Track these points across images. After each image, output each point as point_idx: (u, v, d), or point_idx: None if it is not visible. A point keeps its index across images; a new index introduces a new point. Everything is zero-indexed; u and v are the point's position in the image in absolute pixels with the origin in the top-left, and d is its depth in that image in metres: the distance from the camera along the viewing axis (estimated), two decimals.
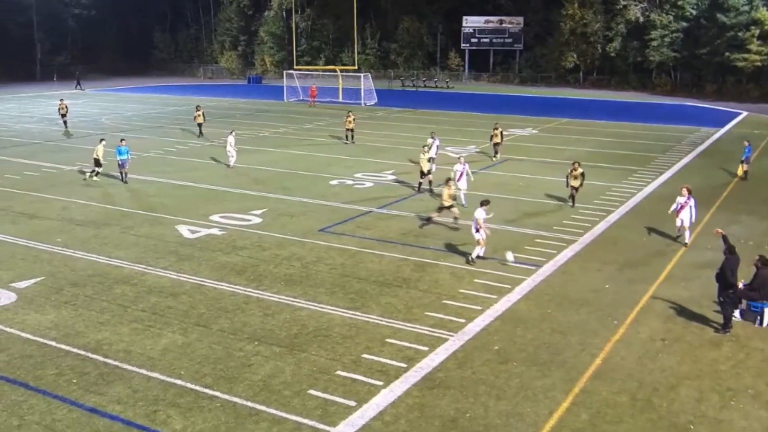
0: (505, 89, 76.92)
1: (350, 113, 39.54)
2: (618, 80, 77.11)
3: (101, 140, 29.36)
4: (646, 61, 72.94)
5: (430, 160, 26.91)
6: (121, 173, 28.19)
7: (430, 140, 31.31)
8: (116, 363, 12.81)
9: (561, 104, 61.64)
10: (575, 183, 24.24)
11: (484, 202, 18.65)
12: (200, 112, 40.55)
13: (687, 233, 20.03)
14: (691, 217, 19.88)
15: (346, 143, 38.28)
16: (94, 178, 28.44)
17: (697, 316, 15.04)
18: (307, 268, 17.97)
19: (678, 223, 20.08)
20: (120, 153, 27.95)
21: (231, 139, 31.42)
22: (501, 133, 33.91)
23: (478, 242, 18.22)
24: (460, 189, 23.86)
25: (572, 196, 24.48)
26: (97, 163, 28.34)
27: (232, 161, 31.33)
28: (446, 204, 21.19)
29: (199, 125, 40.54)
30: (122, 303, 15.62)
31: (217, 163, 32.59)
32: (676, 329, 14.48)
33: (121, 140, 28.97)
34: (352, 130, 38.48)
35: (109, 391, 11.84)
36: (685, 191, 20.03)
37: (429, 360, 12.96)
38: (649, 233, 21.43)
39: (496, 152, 33.99)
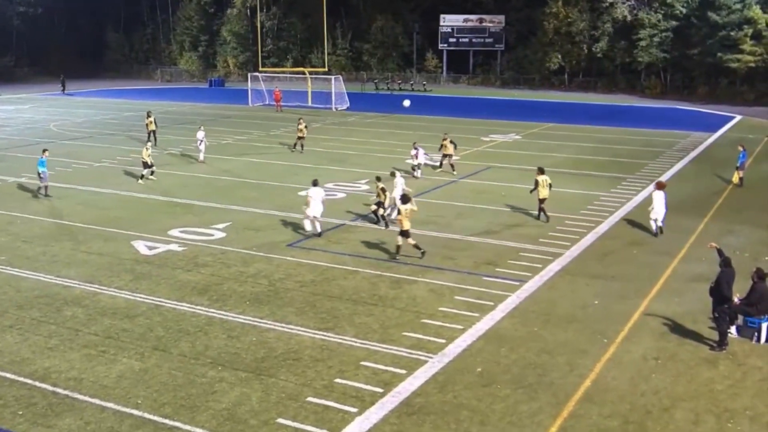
0: (486, 92, 77.48)
1: (301, 119, 39.32)
2: (605, 82, 78.04)
3: (148, 141, 32.53)
4: (635, 62, 73.92)
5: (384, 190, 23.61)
6: (43, 187, 27.40)
7: (413, 151, 31.09)
8: (66, 392, 12.63)
9: (545, 108, 62.21)
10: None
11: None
12: (152, 119, 39.68)
13: (661, 224, 22.51)
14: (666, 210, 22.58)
15: (293, 151, 37.90)
16: (142, 180, 30.22)
17: (692, 333, 15.22)
18: (274, 286, 17.90)
19: (652, 221, 22.52)
20: (42, 165, 27.32)
21: (200, 134, 34.90)
22: (453, 143, 32.21)
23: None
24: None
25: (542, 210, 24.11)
26: (146, 165, 30.41)
27: (201, 156, 34.80)
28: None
29: (151, 132, 39.41)
30: (73, 326, 15.43)
31: (176, 172, 32.41)
32: (669, 347, 14.63)
33: (44, 151, 28.37)
34: (302, 138, 37.97)
35: (58, 423, 11.66)
36: (656, 186, 23.03)
37: (407, 384, 12.96)
38: (639, 245, 21.67)
39: (441, 165, 32.27)
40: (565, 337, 15.04)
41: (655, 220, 22.40)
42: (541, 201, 24.04)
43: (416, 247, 19.86)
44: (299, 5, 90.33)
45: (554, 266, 19.55)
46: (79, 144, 40.58)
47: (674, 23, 71.31)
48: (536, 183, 24.01)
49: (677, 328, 15.47)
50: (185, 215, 24.90)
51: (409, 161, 32.17)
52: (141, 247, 21.06)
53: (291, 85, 68.72)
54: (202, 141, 34.98)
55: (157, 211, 25.56)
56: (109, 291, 17.52)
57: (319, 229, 22.26)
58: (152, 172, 30.75)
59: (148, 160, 30.44)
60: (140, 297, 17.13)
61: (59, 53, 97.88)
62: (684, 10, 70.73)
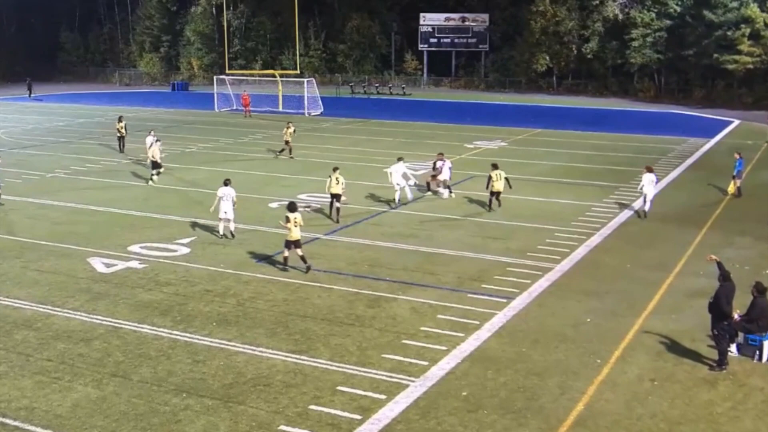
0: (470, 96, 77.91)
1: (290, 123, 40.05)
2: (596, 85, 78.79)
3: (157, 140, 33.42)
4: (627, 63, 74.70)
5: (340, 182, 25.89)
6: None
7: (440, 163, 29.70)
8: (16, 423, 12.49)
9: (533, 112, 62.66)
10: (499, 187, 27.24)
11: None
12: (122, 124, 40.55)
13: (648, 205, 26.61)
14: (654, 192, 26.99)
15: (280, 157, 38.63)
16: (151, 182, 31.97)
17: (690, 352, 15.35)
18: (243, 306, 17.83)
19: (643, 200, 26.70)
20: None
21: (149, 139, 35.07)
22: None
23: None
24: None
25: (492, 201, 27.58)
26: (156, 165, 32.28)
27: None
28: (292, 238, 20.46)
29: (120, 139, 40.37)
30: (23, 351, 15.26)
31: (136, 183, 32.24)
32: (666, 367, 14.75)
33: None
34: (288, 143, 38.77)
35: None
36: (645, 169, 27.18)
37: (387, 410, 12.95)
38: (634, 259, 21.85)
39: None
40: (555, 358, 15.11)
41: (645, 197, 26.53)
42: (496, 194, 27.38)
43: (303, 259, 20.26)
44: (269, 3, 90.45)
45: (544, 282, 19.65)
46: (29, 153, 40.24)
47: (668, 22, 72.19)
48: (489, 178, 27.27)
49: (674, 347, 15.60)
50: (146, 229, 24.75)
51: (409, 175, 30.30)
52: (98, 264, 20.90)
53: (260, 88, 68.57)
54: (151, 146, 35.13)
55: (116, 225, 25.39)
56: (63, 312, 17.35)
57: (222, 232, 23.63)
58: (155, 174, 32.15)
59: (159, 159, 32.31)
60: (97, 319, 16.98)
61: (8, 55, 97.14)
62: (678, 9, 71.60)
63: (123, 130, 40.33)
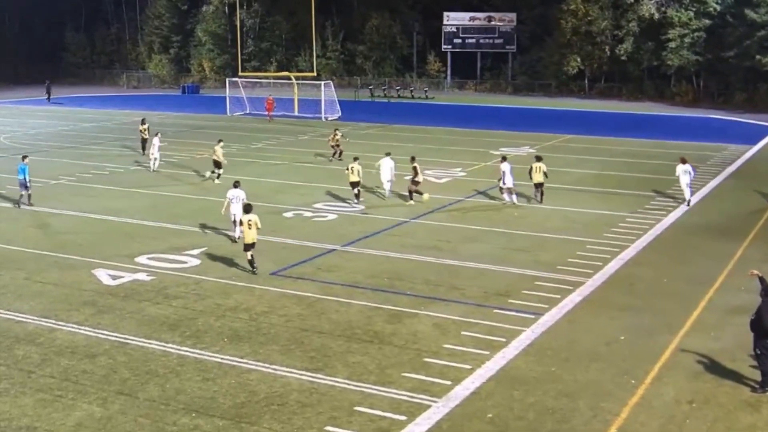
0: (496, 99, 77.86)
1: (337, 130, 42.05)
2: (630, 88, 78.47)
3: (219, 141, 35.63)
4: (663, 65, 74.36)
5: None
6: (26, 195, 29.34)
7: (502, 165, 29.77)
8: None
9: (563, 117, 62.55)
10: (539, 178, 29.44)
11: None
12: (145, 126, 41.87)
13: (688, 191, 29.50)
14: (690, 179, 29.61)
15: (332, 160, 40.08)
16: (216, 181, 33.43)
17: (731, 373, 15.22)
18: (256, 321, 17.88)
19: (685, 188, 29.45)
20: (24, 172, 29.18)
21: (155, 140, 36.80)
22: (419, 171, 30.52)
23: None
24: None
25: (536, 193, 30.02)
26: (218, 164, 34.04)
27: (155, 165, 36.63)
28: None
29: (146, 140, 41.37)
30: (25, 367, 15.37)
31: (144, 191, 32.43)
32: (705, 389, 14.63)
33: (24, 157, 30.14)
34: (338, 146, 40.46)
35: None
36: (680, 161, 29.79)
37: None
38: (670, 273, 21.72)
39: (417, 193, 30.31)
40: (587, 378, 15.04)
41: (688, 185, 29.37)
42: (536, 186, 29.84)
43: (251, 263, 21.11)
44: (284, 1, 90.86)
45: (574, 297, 19.58)
46: (33, 159, 40.49)
47: (707, 22, 71.83)
48: (530, 169, 29.76)
49: (714, 367, 15.48)
50: (154, 240, 24.90)
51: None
52: (103, 276, 21.02)
53: (275, 91, 68.70)
54: (157, 149, 36.65)
55: (122, 234, 25.55)
56: (67, 327, 17.45)
57: (237, 235, 24.11)
58: (219, 175, 33.70)
59: (222, 160, 34.09)
60: (102, 333, 17.07)
61: (11, 56, 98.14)
62: (718, 8, 71.23)
63: (146, 132, 41.45)
